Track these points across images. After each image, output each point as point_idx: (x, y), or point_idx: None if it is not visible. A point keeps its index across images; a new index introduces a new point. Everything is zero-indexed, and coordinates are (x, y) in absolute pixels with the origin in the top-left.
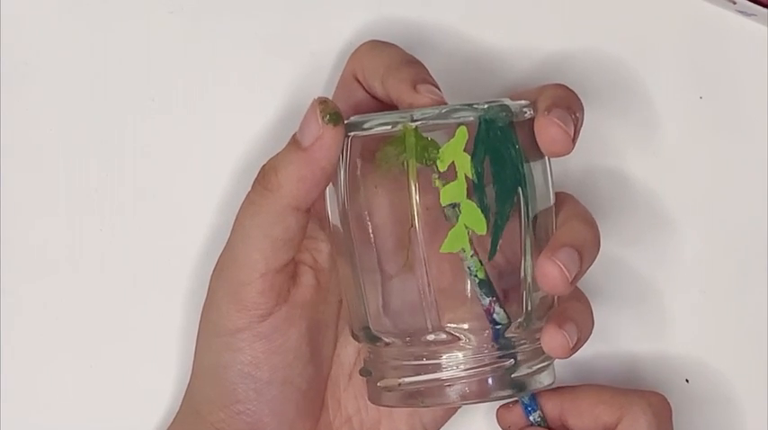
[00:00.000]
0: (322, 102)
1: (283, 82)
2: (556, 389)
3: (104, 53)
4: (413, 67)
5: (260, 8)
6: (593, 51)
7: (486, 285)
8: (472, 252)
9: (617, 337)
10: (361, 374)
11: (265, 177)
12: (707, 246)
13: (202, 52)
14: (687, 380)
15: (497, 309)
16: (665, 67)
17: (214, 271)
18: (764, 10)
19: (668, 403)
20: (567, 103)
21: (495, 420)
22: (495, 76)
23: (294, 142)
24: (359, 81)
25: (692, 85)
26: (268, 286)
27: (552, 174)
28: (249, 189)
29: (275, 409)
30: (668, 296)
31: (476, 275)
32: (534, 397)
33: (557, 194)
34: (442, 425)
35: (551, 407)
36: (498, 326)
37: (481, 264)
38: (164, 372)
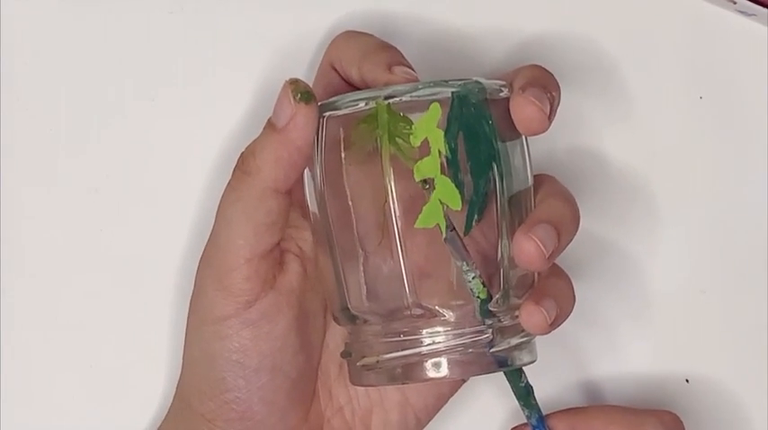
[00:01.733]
0: (293, 82)
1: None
2: (566, 411)
3: (104, 53)
4: (388, 51)
5: (260, 8)
6: (592, 52)
7: (485, 308)
8: (474, 274)
9: (616, 338)
10: (341, 356)
11: (244, 162)
12: (707, 246)
13: (202, 52)
14: (687, 381)
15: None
16: (665, 67)
17: (200, 260)
18: (764, 10)
19: (681, 422)
20: (543, 83)
21: (485, 415)
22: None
23: (269, 125)
24: (336, 70)
25: (692, 85)
26: (253, 272)
27: (530, 155)
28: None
29: (265, 398)
30: (668, 295)
31: (478, 297)
32: (543, 419)
33: (537, 176)
34: (434, 414)
35: (562, 428)
36: (479, 301)
37: (483, 286)
38: (164, 372)
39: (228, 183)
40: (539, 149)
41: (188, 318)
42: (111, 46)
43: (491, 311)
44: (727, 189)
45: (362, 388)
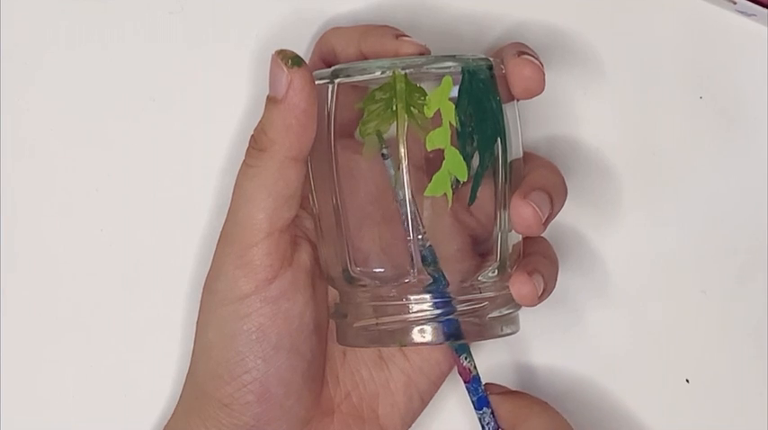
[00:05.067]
0: (279, 52)
1: None
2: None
3: (104, 53)
4: (389, 26)
5: (260, 9)
6: (592, 51)
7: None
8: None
9: (616, 337)
10: (333, 317)
11: (257, 141)
12: (707, 246)
13: (202, 52)
14: (687, 380)
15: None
16: (665, 67)
17: (219, 240)
18: (764, 10)
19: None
20: (533, 51)
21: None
22: None
23: (270, 100)
24: (327, 64)
25: (692, 84)
26: (273, 246)
27: (521, 128)
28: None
29: (283, 378)
30: (669, 296)
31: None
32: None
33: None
34: (435, 393)
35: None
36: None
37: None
38: (164, 372)
39: (244, 162)
40: (539, 149)
41: (202, 301)
42: (111, 46)
43: (483, 283)
44: (727, 189)
45: (367, 374)
